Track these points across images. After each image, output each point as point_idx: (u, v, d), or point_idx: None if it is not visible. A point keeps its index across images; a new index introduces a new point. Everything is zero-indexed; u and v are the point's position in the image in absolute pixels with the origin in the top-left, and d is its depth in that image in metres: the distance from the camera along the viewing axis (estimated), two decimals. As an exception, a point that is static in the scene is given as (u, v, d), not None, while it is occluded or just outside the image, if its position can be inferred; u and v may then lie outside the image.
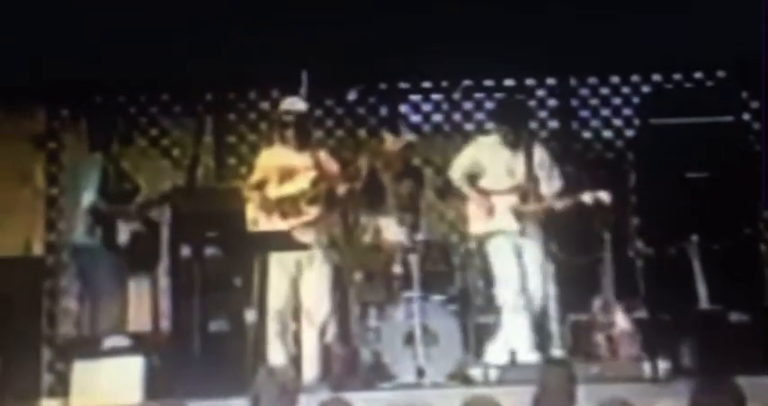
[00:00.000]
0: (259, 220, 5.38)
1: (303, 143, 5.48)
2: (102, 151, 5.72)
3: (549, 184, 5.49)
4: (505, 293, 5.38)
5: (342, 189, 5.42)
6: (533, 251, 5.42)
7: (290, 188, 5.38)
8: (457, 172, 5.60)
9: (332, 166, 5.51)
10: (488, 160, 5.53)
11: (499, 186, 5.46)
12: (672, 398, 4.26)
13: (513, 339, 5.31)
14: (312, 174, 5.39)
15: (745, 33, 6.02)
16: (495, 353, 5.33)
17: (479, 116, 7.27)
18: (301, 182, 5.39)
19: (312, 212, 5.34)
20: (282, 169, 5.43)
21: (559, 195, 5.44)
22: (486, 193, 5.49)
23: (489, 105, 7.23)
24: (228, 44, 6.21)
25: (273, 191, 5.40)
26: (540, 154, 5.57)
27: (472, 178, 5.55)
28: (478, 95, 7.25)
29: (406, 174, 6.13)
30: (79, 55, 6.18)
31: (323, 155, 5.54)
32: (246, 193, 5.43)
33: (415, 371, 5.22)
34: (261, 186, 5.43)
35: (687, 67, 7.10)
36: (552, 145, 6.43)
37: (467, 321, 5.56)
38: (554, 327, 5.47)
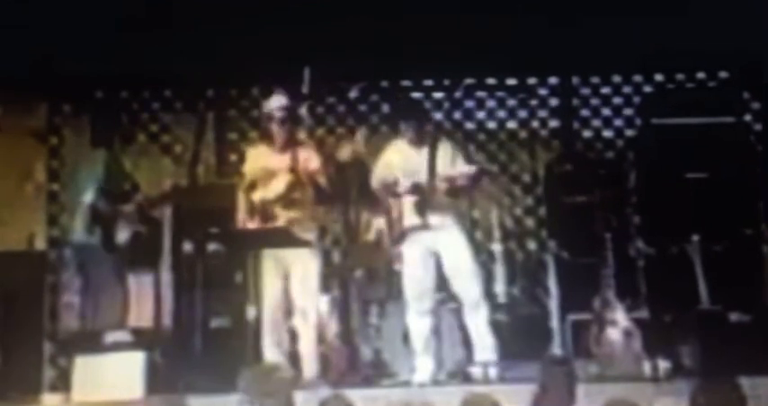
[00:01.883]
0: (245, 222, 5.33)
1: (286, 142, 5.37)
2: (104, 147, 5.72)
3: (450, 172, 5.35)
4: (410, 296, 5.31)
5: (326, 183, 5.32)
6: (451, 246, 5.29)
7: (269, 191, 5.33)
8: (376, 181, 5.50)
9: (312, 164, 5.35)
10: (400, 163, 5.43)
11: (407, 184, 5.35)
12: (672, 397, 4.27)
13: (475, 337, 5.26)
14: (288, 178, 5.29)
15: (747, 34, 6.03)
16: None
17: (481, 115, 7.28)
18: (278, 186, 5.31)
19: (284, 216, 5.26)
20: (263, 171, 5.37)
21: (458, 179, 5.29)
22: (398, 195, 5.37)
23: (491, 104, 7.27)
24: (230, 41, 6.21)
25: (257, 194, 5.36)
26: (443, 148, 5.46)
27: (388, 185, 5.43)
28: (480, 94, 7.26)
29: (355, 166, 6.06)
30: (81, 51, 6.19)
31: (303, 154, 5.37)
32: (241, 193, 5.41)
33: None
34: (252, 187, 5.38)
35: (689, 68, 7.11)
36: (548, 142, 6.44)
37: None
38: (554, 326, 5.48)
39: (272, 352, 5.24)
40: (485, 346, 5.18)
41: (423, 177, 5.31)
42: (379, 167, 5.51)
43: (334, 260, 5.99)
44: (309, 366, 5.24)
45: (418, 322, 5.27)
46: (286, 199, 5.27)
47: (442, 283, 5.36)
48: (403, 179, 5.36)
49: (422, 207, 5.28)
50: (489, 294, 5.81)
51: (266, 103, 5.48)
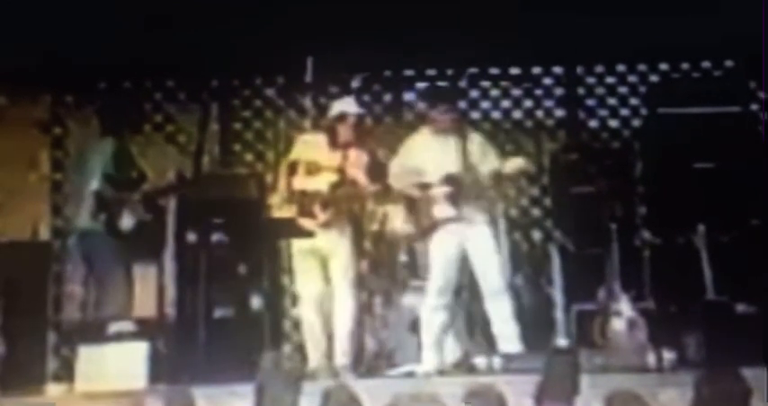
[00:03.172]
0: (282, 207, 5.37)
1: (345, 144, 5.40)
2: (113, 136, 5.72)
3: (485, 162, 5.35)
4: (433, 288, 5.28)
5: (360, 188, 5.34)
6: (480, 237, 5.28)
7: (310, 184, 5.35)
8: (396, 174, 5.43)
9: (358, 171, 5.37)
10: (425, 154, 5.39)
11: (435, 177, 5.32)
12: (676, 388, 4.25)
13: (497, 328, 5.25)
14: (334, 177, 5.33)
15: (753, 23, 5.98)
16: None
17: (485, 104, 7.25)
18: (320, 183, 5.34)
19: (322, 216, 5.28)
20: (309, 162, 5.39)
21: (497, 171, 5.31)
22: (426, 187, 5.34)
23: (495, 93, 7.24)
24: (234, 31, 6.19)
25: (297, 182, 5.38)
26: (474, 137, 5.47)
27: (411, 177, 5.39)
28: (484, 83, 7.23)
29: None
30: (84, 41, 6.17)
31: (355, 161, 5.38)
32: (275, 175, 5.40)
33: (420, 359, 5.22)
34: (292, 171, 5.40)
35: (695, 57, 7.08)
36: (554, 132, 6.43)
37: (472, 309, 5.55)
38: (559, 316, 5.47)
39: (312, 341, 5.29)
40: (508, 337, 5.16)
41: (452, 168, 5.28)
42: (401, 157, 5.46)
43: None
44: (342, 355, 5.26)
45: (433, 315, 5.24)
46: (326, 198, 5.28)
47: (463, 276, 5.33)
48: (428, 169, 5.33)
49: (455, 199, 5.24)
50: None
51: (339, 102, 5.51)
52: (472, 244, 5.24)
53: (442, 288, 5.24)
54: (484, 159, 5.34)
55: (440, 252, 5.28)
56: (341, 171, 5.34)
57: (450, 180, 5.25)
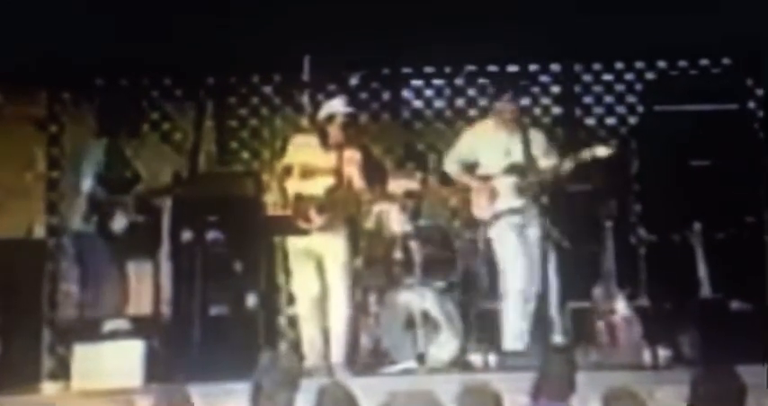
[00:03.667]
0: (277, 206, 5.35)
1: (338, 145, 5.39)
2: (109, 136, 5.71)
3: (547, 158, 5.48)
4: (510, 279, 5.35)
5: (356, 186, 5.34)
6: (535, 233, 5.41)
7: (306, 187, 5.33)
8: (452, 163, 5.57)
9: (354, 170, 5.36)
10: (485, 145, 5.51)
11: (497, 168, 5.44)
12: (672, 386, 4.25)
13: (515, 325, 5.27)
14: (330, 181, 5.30)
15: (751, 20, 5.98)
16: (499, 340, 5.32)
17: (483, 102, 7.24)
18: (317, 187, 5.32)
19: (319, 220, 5.26)
20: (304, 165, 5.37)
21: (558, 166, 5.40)
22: (486, 179, 5.45)
23: (491, 90, 7.22)
24: (230, 28, 6.18)
25: (292, 186, 5.36)
26: (535, 132, 5.62)
27: (469, 166, 5.52)
28: (481, 81, 7.22)
29: (409, 160, 6.10)
30: (81, 38, 6.16)
31: (350, 161, 5.36)
32: (270, 177, 5.39)
33: (416, 357, 5.21)
34: (287, 175, 5.38)
35: (692, 54, 7.06)
36: (551, 129, 6.45)
37: (467, 307, 5.55)
38: (554, 314, 5.47)
39: (309, 339, 5.29)
40: (516, 335, 5.22)
41: (515, 158, 5.36)
42: (461, 147, 5.57)
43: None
44: (338, 354, 5.26)
45: (521, 303, 5.28)
46: (323, 202, 5.27)
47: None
48: (487, 160, 5.41)
49: (520, 190, 5.32)
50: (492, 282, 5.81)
51: (329, 104, 5.50)
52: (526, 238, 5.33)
53: (521, 275, 5.30)
54: (547, 153, 5.43)
55: (504, 243, 5.36)
56: (337, 173, 5.32)
57: (512, 171, 5.35)
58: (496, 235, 5.44)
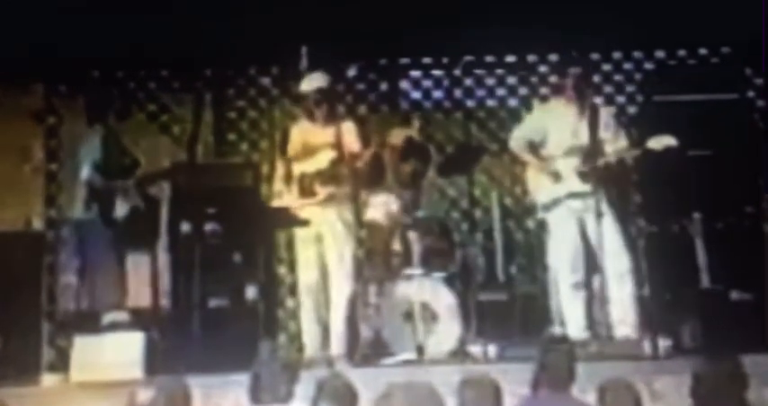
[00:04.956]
0: (282, 194, 5.36)
1: (327, 118, 5.44)
2: (100, 124, 5.70)
3: (615, 142, 5.35)
4: (562, 267, 5.27)
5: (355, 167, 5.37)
6: (601, 215, 5.15)
7: (309, 166, 5.36)
8: (518, 139, 5.44)
9: (354, 145, 5.39)
10: (553, 125, 5.36)
11: (563, 149, 5.30)
12: (672, 376, 4.26)
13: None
14: (332, 154, 5.33)
15: (750, 9, 5.95)
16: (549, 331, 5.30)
17: (480, 92, 7.22)
18: (320, 161, 5.35)
19: (323, 192, 5.31)
20: (305, 146, 5.41)
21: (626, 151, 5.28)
22: (548, 159, 5.32)
23: (490, 81, 7.21)
24: (228, 19, 6.16)
25: (296, 167, 5.38)
26: (605, 114, 5.45)
27: (533, 146, 5.37)
28: (479, 71, 7.20)
29: (410, 151, 6.09)
30: (78, 31, 6.13)
31: (347, 132, 5.42)
32: (273, 165, 5.40)
33: (415, 348, 5.21)
34: (290, 158, 5.40)
35: (691, 44, 7.04)
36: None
37: (467, 298, 5.54)
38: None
39: (310, 330, 5.30)
40: (628, 321, 5.12)
41: (582, 140, 5.23)
42: (527, 124, 5.49)
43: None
44: (337, 345, 5.27)
45: (575, 295, 5.20)
46: (327, 175, 5.30)
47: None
48: (555, 141, 5.29)
49: (584, 174, 5.20)
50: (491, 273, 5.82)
51: (303, 83, 5.50)
52: (589, 220, 5.16)
53: (572, 265, 5.21)
54: (616, 137, 5.32)
55: (562, 228, 5.25)
56: (336, 146, 5.35)
57: (576, 152, 5.23)
58: (554, 219, 5.30)
